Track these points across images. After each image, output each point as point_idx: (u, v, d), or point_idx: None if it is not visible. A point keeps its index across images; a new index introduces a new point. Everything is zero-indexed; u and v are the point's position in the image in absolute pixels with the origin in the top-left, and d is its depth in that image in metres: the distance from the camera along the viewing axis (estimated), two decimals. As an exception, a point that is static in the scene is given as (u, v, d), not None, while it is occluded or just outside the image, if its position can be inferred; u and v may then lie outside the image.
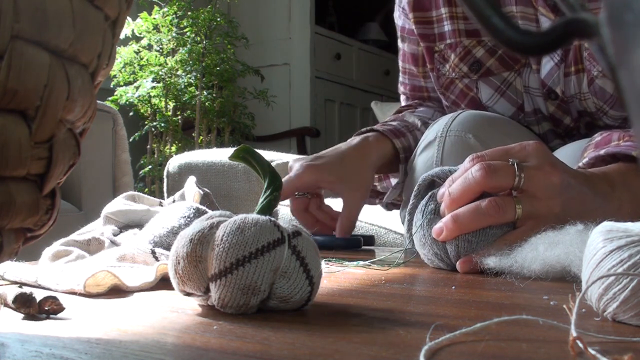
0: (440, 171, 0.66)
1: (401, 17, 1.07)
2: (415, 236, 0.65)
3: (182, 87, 3.05)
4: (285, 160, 1.86)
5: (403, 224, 1.03)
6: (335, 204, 0.95)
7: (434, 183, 0.66)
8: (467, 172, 0.60)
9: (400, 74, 1.14)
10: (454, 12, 0.96)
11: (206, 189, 0.70)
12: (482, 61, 0.95)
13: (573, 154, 0.82)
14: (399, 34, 1.10)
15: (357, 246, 0.89)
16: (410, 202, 0.67)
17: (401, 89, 1.16)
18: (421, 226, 0.64)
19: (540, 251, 0.53)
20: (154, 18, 3.02)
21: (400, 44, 1.11)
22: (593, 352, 0.28)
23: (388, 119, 1.07)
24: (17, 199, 0.29)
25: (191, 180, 0.71)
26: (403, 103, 1.17)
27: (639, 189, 0.65)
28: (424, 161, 0.88)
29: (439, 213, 0.63)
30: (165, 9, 3.05)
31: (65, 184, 0.37)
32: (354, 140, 0.94)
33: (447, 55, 0.98)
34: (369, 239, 0.95)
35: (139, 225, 0.69)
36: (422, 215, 0.64)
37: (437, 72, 1.01)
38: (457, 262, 0.60)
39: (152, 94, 3.01)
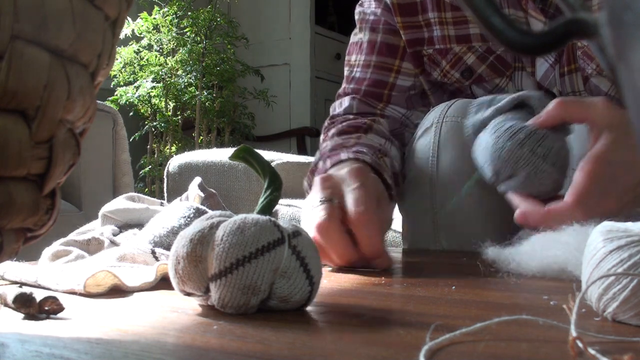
0: (530, 94, 0.63)
1: (379, 8, 0.99)
2: (486, 153, 0.65)
3: (182, 87, 3.05)
4: (285, 160, 1.86)
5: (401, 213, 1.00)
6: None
7: (521, 106, 0.64)
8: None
9: (356, 68, 0.99)
10: (443, 17, 0.94)
11: (212, 190, 0.70)
12: (473, 68, 0.95)
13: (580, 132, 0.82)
14: (362, 24, 1.00)
15: None
16: (489, 114, 0.67)
17: (351, 85, 0.99)
18: (497, 147, 0.63)
19: (538, 250, 0.53)
20: (154, 18, 3.03)
21: (360, 35, 1.00)
22: (593, 352, 0.28)
23: (355, 142, 0.85)
24: (17, 199, 0.29)
25: (195, 181, 0.71)
26: (346, 104, 0.98)
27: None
28: (421, 146, 0.89)
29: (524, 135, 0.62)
30: (165, 9, 3.06)
31: (65, 184, 0.36)
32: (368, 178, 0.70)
33: (438, 60, 0.97)
34: None
35: (138, 224, 0.68)
36: (505, 136, 0.63)
37: (426, 75, 1.00)
38: (517, 211, 0.65)
39: (152, 94, 3.01)
